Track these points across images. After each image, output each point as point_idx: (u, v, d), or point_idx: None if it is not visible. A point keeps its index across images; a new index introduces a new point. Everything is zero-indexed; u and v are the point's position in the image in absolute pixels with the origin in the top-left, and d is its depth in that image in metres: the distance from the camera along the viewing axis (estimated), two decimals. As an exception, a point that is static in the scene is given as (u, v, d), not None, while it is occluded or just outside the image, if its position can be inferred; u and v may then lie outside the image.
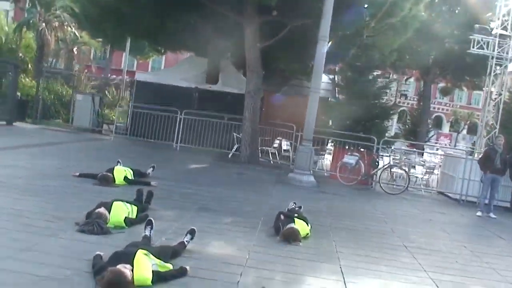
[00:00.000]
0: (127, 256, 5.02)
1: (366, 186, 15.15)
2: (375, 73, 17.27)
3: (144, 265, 4.98)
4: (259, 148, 17.92)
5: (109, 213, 6.99)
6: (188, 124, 18.28)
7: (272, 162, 17.84)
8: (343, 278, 6.03)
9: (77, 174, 10.27)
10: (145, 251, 5.18)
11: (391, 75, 26.30)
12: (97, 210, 6.84)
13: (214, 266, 5.86)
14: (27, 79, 23.29)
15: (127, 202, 7.50)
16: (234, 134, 17.79)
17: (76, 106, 20.41)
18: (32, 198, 7.96)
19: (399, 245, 8.16)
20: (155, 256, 5.29)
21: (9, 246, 5.59)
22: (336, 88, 20.20)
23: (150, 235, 6.26)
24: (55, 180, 9.63)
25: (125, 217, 6.99)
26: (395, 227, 9.68)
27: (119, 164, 11.04)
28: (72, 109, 20.60)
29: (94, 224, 6.59)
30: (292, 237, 7.32)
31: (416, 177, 16.27)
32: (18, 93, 21.36)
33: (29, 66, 24.74)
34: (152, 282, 4.96)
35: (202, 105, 19.08)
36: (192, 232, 6.34)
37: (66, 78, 25.36)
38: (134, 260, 4.98)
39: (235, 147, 17.69)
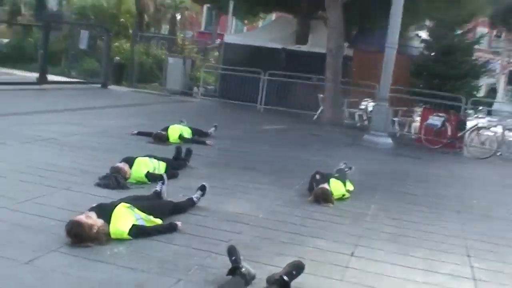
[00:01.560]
0: (107, 208, 4.89)
1: (453, 149, 14.07)
2: (464, 28, 15.87)
3: (122, 218, 4.83)
4: (347, 110, 17.29)
5: (131, 168, 6.88)
6: (274, 86, 17.99)
7: (358, 124, 17.15)
8: (356, 242, 5.51)
9: (135, 132, 10.36)
10: (127, 205, 5.03)
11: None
12: (116, 165, 6.79)
13: (215, 224, 5.60)
14: (128, 44, 23.95)
15: (155, 158, 7.38)
16: (319, 95, 17.26)
17: (168, 69, 20.72)
18: (74, 154, 8.10)
19: (451, 211, 7.42)
20: (144, 211, 5.11)
21: (14, 197, 5.66)
22: (423, 44, 18.88)
23: (160, 190, 6.09)
24: (111, 138, 9.79)
25: (148, 172, 6.85)
26: (460, 192, 8.88)
27: (181, 123, 10.99)
28: (165, 72, 20.92)
29: (111, 178, 6.53)
30: (322, 197, 6.90)
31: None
32: (117, 57, 22.04)
33: (130, 31, 25.44)
34: (132, 235, 4.77)
35: (289, 66, 18.67)
36: (202, 188, 6.11)
37: (168, 42, 25.88)
38: (113, 212, 4.84)
39: (320, 109, 17.17)
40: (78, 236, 4.55)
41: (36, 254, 4.30)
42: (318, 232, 5.68)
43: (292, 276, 4.11)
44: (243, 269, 4.10)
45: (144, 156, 7.39)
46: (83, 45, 20.71)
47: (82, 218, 4.63)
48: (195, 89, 20.68)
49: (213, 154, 9.41)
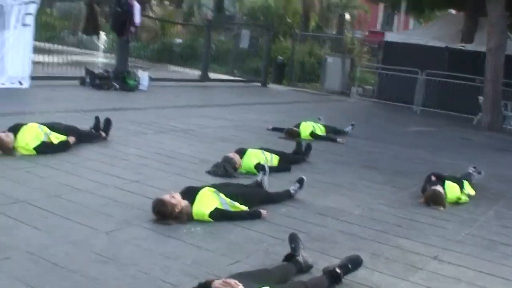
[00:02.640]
0: (194, 190, 5.23)
1: None
2: None
3: (205, 201, 5.13)
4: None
5: (242, 158, 7.20)
6: (433, 86, 17.37)
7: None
8: (448, 246, 5.29)
9: (271, 127, 10.70)
10: (213, 189, 5.31)
11: None
12: (227, 154, 7.14)
13: (303, 216, 5.68)
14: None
15: (268, 151, 7.62)
16: (480, 97, 16.31)
17: (327, 69, 20.90)
18: (202, 145, 8.63)
19: None
20: (230, 197, 5.36)
21: (127, 178, 6.31)
22: None
23: (261, 180, 6.31)
24: (246, 132, 10.24)
25: (258, 163, 7.09)
26: None
27: (319, 120, 11.14)
28: (323, 71, 21.12)
29: (220, 167, 6.90)
30: (432, 199, 6.64)
31: None
32: (280, 57, 22.71)
33: (296, 31, 26.02)
34: (212, 217, 5.04)
35: (452, 66, 17.86)
36: (300, 181, 6.22)
37: (334, 42, 26.07)
38: (198, 195, 5.16)
39: (479, 114, 16.22)
40: (161, 213, 4.93)
41: (119, 227, 4.75)
42: (408, 233, 5.49)
43: (347, 270, 4.10)
44: (299, 257, 4.15)
45: (259, 148, 7.63)
46: (243, 44, 21.66)
47: (166, 197, 4.99)
48: (353, 89, 20.58)
49: (339, 151, 9.42)
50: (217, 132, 9.83)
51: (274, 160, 7.55)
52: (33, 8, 12.71)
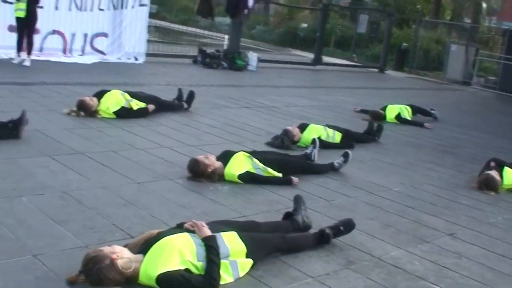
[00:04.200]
0: (229, 154, 5.68)
1: None
2: None
3: (237, 163, 5.56)
4: None
5: (302, 132, 7.51)
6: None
7: None
8: (472, 226, 5.25)
9: (358, 109, 10.85)
10: (247, 154, 5.72)
11: None
12: (287, 127, 7.49)
13: (338, 187, 5.88)
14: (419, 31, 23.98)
15: (332, 127, 7.85)
16: None
17: (449, 57, 20.26)
18: (277, 120, 9.06)
19: None
20: (264, 163, 5.72)
21: (185, 142, 6.90)
22: None
23: (310, 153, 6.61)
24: (331, 112, 10.50)
25: (317, 138, 7.32)
26: None
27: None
28: (446, 60, 20.51)
29: (278, 138, 7.28)
30: (484, 183, 6.55)
31: None
32: (404, 44, 22.36)
33: (424, 18, 25.37)
34: (242, 179, 5.47)
35: None
36: (345, 155, 6.43)
37: (466, 31, 25.12)
38: (231, 157, 5.60)
39: None
40: (193, 171, 5.44)
41: (152, 179, 5.32)
42: (438, 211, 5.52)
43: (338, 231, 4.32)
44: (297, 216, 4.44)
45: (325, 125, 7.88)
46: (361, 29, 21.56)
47: (201, 157, 5.49)
48: (474, 79, 19.78)
49: (419, 135, 9.35)
50: (301, 111, 10.14)
51: (336, 136, 7.75)
52: (150, -11, 13.71)
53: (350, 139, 7.84)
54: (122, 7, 13.41)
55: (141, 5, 13.72)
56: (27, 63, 11.04)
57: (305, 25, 25.58)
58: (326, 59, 19.75)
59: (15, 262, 3.37)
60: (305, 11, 25.63)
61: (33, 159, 5.40)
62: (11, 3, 11.21)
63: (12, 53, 11.34)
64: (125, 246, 3.44)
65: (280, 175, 5.75)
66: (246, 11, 15.90)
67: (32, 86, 9.13)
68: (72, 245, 3.70)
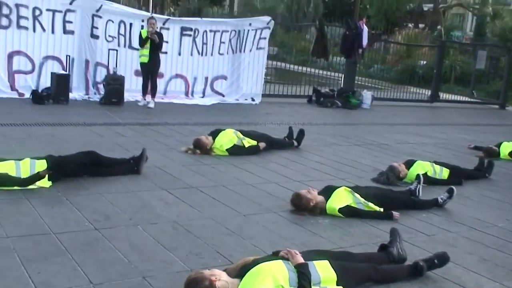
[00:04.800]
0: (331, 188, 5.96)
1: None
2: None
3: (338, 198, 5.79)
4: None
5: (408, 169, 7.61)
6: None
7: None
8: None
9: (472, 146, 10.70)
10: (349, 189, 5.95)
11: None
12: (392, 163, 7.61)
13: (439, 222, 5.92)
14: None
15: (439, 164, 7.87)
16: None
17: None
18: (387, 157, 9.10)
19: None
20: (366, 198, 5.93)
21: (292, 178, 7.24)
22: None
23: (415, 189, 6.71)
24: (442, 149, 10.45)
25: (422, 174, 7.39)
26: None
27: None
28: None
29: (384, 175, 7.44)
30: None
31: None
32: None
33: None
34: (342, 213, 5.71)
35: None
36: (450, 191, 6.46)
37: None
38: (333, 192, 5.87)
39: None
40: (296, 205, 5.75)
41: (257, 212, 5.68)
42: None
43: (432, 264, 4.42)
44: (392, 248, 4.60)
45: (431, 162, 7.91)
46: (479, 65, 20.97)
47: (303, 192, 5.78)
48: None
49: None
50: (412, 148, 10.16)
51: (444, 173, 7.75)
52: (267, 33, 14.44)
53: (458, 176, 7.78)
54: (240, 51, 14.16)
55: (259, 48, 14.38)
56: (151, 105, 11.99)
57: (424, 62, 25.27)
58: (444, 96, 19.43)
59: (126, 283, 3.81)
60: (423, 48, 25.33)
61: (150, 192, 5.96)
62: (137, 49, 12.21)
63: (138, 96, 12.32)
64: (224, 271, 3.78)
65: (382, 210, 5.87)
66: (360, 50, 16.14)
67: (154, 126, 9.92)
68: (179, 269, 4.10)
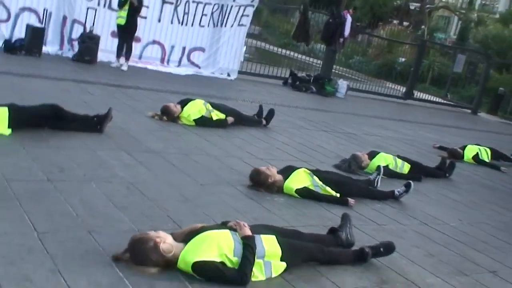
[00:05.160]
0: (291, 168, 6.02)
1: None
2: None
3: (297, 179, 5.84)
4: None
5: (371, 159, 7.68)
6: None
7: None
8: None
9: (437, 145, 10.84)
10: (308, 171, 5.98)
11: None
12: (356, 153, 7.67)
13: (390, 213, 5.98)
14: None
15: (402, 158, 7.96)
16: None
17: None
18: (352, 146, 9.22)
19: None
20: (324, 181, 5.97)
21: (256, 156, 7.24)
22: None
23: (374, 179, 6.78)
24: (407, 145, 10.54)
25: (383, 166, 7.47)
26: None
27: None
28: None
29: (346, 162, 7.49)
30: None
31: None
32: (502, 88, 21.82)
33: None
34: (300, 194, 5.76)
35: None
36: (407, 185, 6.53)
37: None
38: (292, 173, 5.91)
39: None
40: (254, 180, 5.76)
41: (215, 183, 5.70)
42: (488, 249, 5.51)
43: (377, 252, 4.48)
44: (341, 232, 4.64)
45: (395, 155, 7.99)
46: (457, 68, 21.23)
47: (262, 168, 5.83)
48: None
49: (494, 178, 9.20)
50: (378, 140, 10.25)
51: (405, 167, 7.84)
52: (250, 11, 14.35)
53: (419, 172, 7.88)
54: (221, 25, 14.06)
55: (240, 24, 14.30)
56: (124, 68, 11.86)
57: (403, 59, 25.46)
58: (419, 94, 19.61)
59: (70, 235, 3.79)
60: (405, 46, 25.50)
61: (110, 152, 5.92)
62: (116, 10, 12.05)
63: (112, 57, 12.17)
64: (170, 234, 3.78)
65: (338, 195, 5.92)
66: (341, 40, 16.17)
67: (124, 88, 9.83)
68: (126, 228, 4.09)
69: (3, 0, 11.44)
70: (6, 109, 5.76)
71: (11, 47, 11.01)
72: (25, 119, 5.87)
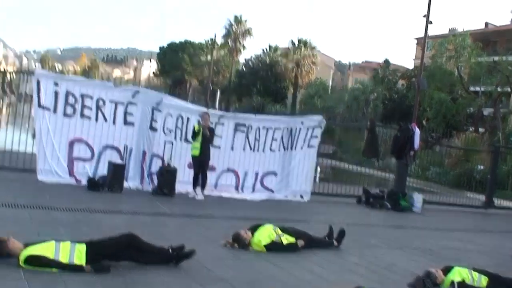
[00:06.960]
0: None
1: None
2: None
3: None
4: None
5: (445, 275, 7.55)
6: None
7: None
8: None
9: (515, 254, 10.46)
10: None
11: None
12: (429, 269, 7.56)
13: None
14: None
15: (478, 271, 7.76)
16: None
17: None
18: (428, 262, 8.99)
19: None
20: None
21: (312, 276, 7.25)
22: None
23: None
24: (485, 256, 10.21)
25: (457, 281, 7.29)
26: None
27: None
28: None
29: (419, 280, 7.39)
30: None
31: None
32: None
33: None
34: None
35: None
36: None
37: None
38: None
39: None
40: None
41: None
42: None
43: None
44: None
45: (470, 269, 7.81)
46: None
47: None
48: None
49: None
50: (456, 254, 10.00)
51: (482, 280, 7.60)
52: (318, 132, 14.84)
53: (498, 285, 7.62)
54: (291, 148, 14.56)
55: (310, 146, 14.75)
56: (200, 197, 12.38)
57: (481, 167, 24.99)
58: (500, 202, 19.04)
59: None
60: (482, 153, 25.13)
61: (182, 284, 6.15)
62: (191, 142, 12.77)
63: (189, 188, 12.75)
64: None
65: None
66: (412, 152, 16.25)
67: (199, 218, 10.23)
68: None
69: (86, 140, 12.32)
70: (84, 245, 6.19)
71: (94, 184, 11.78)
72: (102, 253, 6.26)
